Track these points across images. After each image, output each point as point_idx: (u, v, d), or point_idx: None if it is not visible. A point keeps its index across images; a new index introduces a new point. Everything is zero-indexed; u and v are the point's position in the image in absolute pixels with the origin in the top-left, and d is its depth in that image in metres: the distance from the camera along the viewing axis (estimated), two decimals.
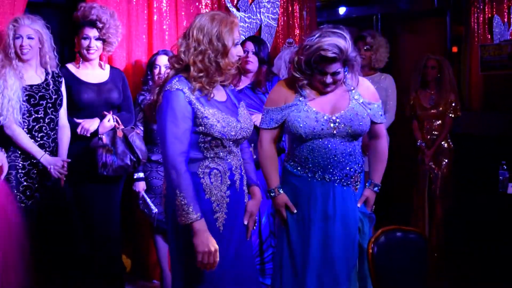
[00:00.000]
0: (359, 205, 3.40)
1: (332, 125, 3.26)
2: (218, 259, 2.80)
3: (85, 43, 4.29)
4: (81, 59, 4.34)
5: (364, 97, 3.35)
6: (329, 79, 3.25)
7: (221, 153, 2.91)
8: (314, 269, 3.28)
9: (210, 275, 2.86)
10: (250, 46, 4.79)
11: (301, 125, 3.26)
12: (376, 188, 3.47)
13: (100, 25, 4.32)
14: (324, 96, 3.33)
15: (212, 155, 2.90)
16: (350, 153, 3.31)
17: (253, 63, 4.74)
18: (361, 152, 3.43)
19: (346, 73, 3.30)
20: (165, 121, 2.80)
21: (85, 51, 4.30)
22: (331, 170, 3.30)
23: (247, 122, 3.02)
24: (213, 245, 2.79)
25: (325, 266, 3.29)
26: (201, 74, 2.85)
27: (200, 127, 2.85)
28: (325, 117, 3.27)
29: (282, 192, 3.39)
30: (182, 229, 2.82)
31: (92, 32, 4.29)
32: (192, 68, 2.84)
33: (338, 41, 3.16)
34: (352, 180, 3.34)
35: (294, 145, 3.38)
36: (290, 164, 3.41)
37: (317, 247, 3.30)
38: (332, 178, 3.30)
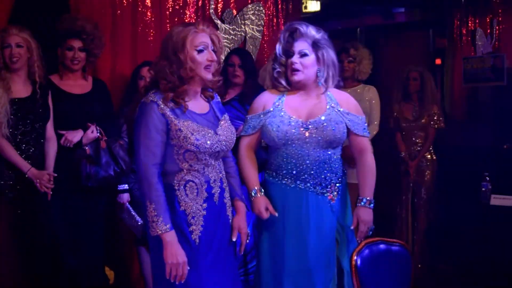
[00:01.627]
0: (352, 227, 3.38)
1: (304, 130, 3.26)
2: (186, 271, 2.82)
3: (69, 54, 4.28)
4: (64, 71, 4.32)
5: (343, 107, 3.36)
6: (295, 59, 3.28)
7: (196, 166, 2.92)
8: (291, 279, 3.28)
9: (185, 287, 2.86)
10: (235, 59, 4.82)
11: (274, 129, 3.29)
12: (371, 205, 3.38)
13: (84, 36, 4.32)
14: (301, 102, 3.36)
15: (187, 167, 2.91)
16: (324, 161, 3.30)
17: (240, 77, 4.78)
18: (341, 163, 3.42)
19: (319, 73, 3.31)
20: (139, 132, 2.84)
21: (69, 62, 4.29)
22: (303, 177, 3.30)
23: (227, 135, 3.02)
24: (182, 257, 2.81)
25: (302, 276, 3.29)
26: (168, 87, 2.88)
27: (174, 139, 2.87)
28: (299, 122, 3.28)
29: (262, 194, 3.37)
30: (154, 240, 2.83)
31: (77, 43, 4.29)
32: (162, 81, 2.88)
33: (305, 23, 3.33)
34: (328, 189, 3.33)
35: (271, 153, 3.41)
36: (267, 172, 3.45)
37: (292, 256, 3.29)
38: (305, 186, 3.30)
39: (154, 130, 2.83)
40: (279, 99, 3.37)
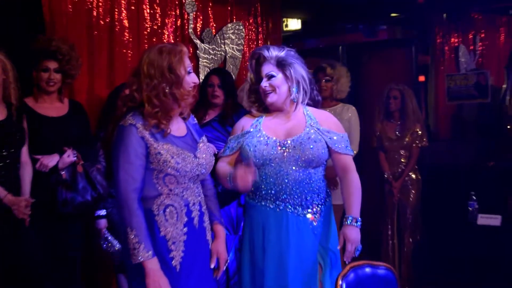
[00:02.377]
0: (339, 247, 3.35)
1: (281, 149, 3.28)
2: None
3: (44, 75, 4.25)
4: (39, 93, 4.29)
5: (323, 125, 3.37)
6: (264, 83, 3.33)
7: (176, 190, 2.91)
8: None
9: None
10: (215, 79, 4.83)
11: (251, 149, 3.30)
12: (357, 224, 3.32)
13: (60, 57, 4.29)
14: (279, 122, 3.39)
15: (167, 191, 2.89)
16: (304, 181, 3.29)
17: (219, 97, 4.79)
18: (323, 183, 3.40)
19: (292, 89, 3.34)
20: (118, 157, 2.82)
21: (44, 84, 4.25)
22: (283, 197, 3.29)
23: (206, 158, 3.02)
24: (165, 285, 2.78)
25: None
26: (156, 110, 2.85)
27: (154, 163, 2.85)
28: (276, 141, 3.30)
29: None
30: (135, 268, 2.80)
31: (52, 64, 4.26)
32: (146, 105, 2.85)
33: (266, 46, 3.42)
34: (309, 210, 3.32)
35: None
36: (248, 195, 3.43)
37: (271, 279, 3.27)
38: (284, 206, 3.29)
39: (134, 154, 2.81)
40: (257, 120, 3.42)
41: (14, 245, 3.90)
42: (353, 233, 3.32)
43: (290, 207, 3.29)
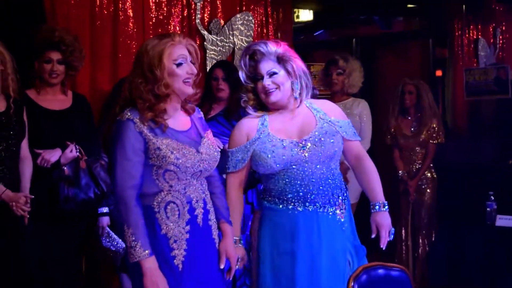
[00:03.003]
0: (373, 235, 3.37)
1: (301, 149, 3.25)
2: None
3: (47, 67, 4.25)
4: (42, 85, 4.31)
5: (331, 115, 3.36)
6: (266, 81, 3.27)
7: (177, 186, 2.90)
8: None
9: None
10: (219, 72, 4.83)
11: (269, 155, 3.24)
12: (385, 208, 3.37)
13: (64, 48, 4.29)
14: (287, 121, 3.34)
15: (167, 188, 2.89)
16: (328, 178, 3.29)
17: (224, 90, 4.79)
18: (341, 177, 3.41)
19: (294, 86, 3.30)
20: (115, 153, 2.83)
21: (47, 76, 4.26)
22: (312, 197, 3.27)
23: (210, 154, 3.00)
24: (163, 284, 2.79)
25: None
26: (146, 106, 2.86)
27: (153, 159, 2.85)
28: (293, 143, 3.27)
29: (240, 244, 3.32)
30: (135, 266, 2.80)
31: (55, 55, 4.26)
32: (138, 100, 2.86)
33: (263, 41, 3.34)
34: (337, 207, 3.32)
35: (268, 179, 3.35)
36: (267, 200, 3.38)
37: (303, 284, 3.25)
38: (314, 206, 3.28)
39: (131, 150, 2.81)
40: (262, 124, 3.34)
41: (10, 244, 3.92)
42: (384, 218, 3.37)
43: (320, 206, 3.29)
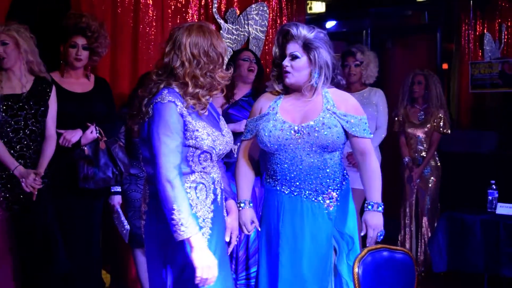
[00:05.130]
0: (362, 234, 3.34)
1: (295, 134, 3.25)
2: (217, 273, 2.80)
3: (72, 51, 4.29)
4: (66, 68, 4.34)
5: (341, 108, 3.29)
6: (286, 62, 3.26)
7: (208, 168, 2.92)
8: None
9: None
10: (250, 54, 4.87)
11: (266, 133, 3.29)
12: (379, 208, 3.32)
13: (89, 34, 4.33)
14: (296, 105, 3.33)
15: (200, 169, 2.90)
16: (318, 167, 3.27)
17: (253, 71, 4.82)
18: (340, 167, 3.37)
19: (315, 75, 3.27)
20: (158, 134, 2.78)
21: (72, 59, 4.29)
22: (297, 183, 3.28)
23: (230, 136, 3.05)
24: (213, 259, 2.79)
25: (296, 285, 3.25)
26: (197, 90, 2.85)
27: (191, 140, 2.84)
28: (291, 126, 3.27)
29: (249, 207, 3.40)
30: (174, 245, 2.81)
31: (81, 40, 4.30)
32: (190, 83, 2.84)
33: (296, 23, 3.31)
34: (324, 196, 3.30)
35: (267, 159, 3.40)
36: (265, 179, 3.45)
37: (286, 264, 3.27)
38: (299, 192, 3.29)
39: (174, 131, 2.79)
40: (275, 101, 3.36)
41: (30, 218, 3.95)
42: (375, 219, 3.32)
43: (304, 193, 3.29)
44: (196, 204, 2.88)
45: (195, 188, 2.89)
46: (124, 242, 4.88)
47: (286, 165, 3.29)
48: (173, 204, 2.74)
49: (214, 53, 2.88)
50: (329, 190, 3.31)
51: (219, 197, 3.01)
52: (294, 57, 3.26)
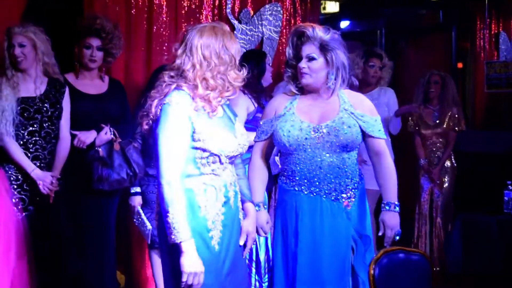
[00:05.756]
0: (380, 233, 3.35)
1: (315, 134, 3.24)
2: (202, 281, 2.78)
3: (87, 52, 4.29)
4: (80, 69, 4.34)
5: (357, 109, 3.31)
6: (303, 64, 3.25)
7: (218, 170, 2.89)
8: None
9: None
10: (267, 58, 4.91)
11: (284, 133, 3.27)
12: (396, 208, 3.33)
13: (104, 35, 4.33)
14: (313, 105, 3.33)
15: (209, 171, 2.88)
16: (338, 166, 3.27)
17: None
18: (357, 167, 3.37)
19: (330, 76, 3.27)
20: (162, 135, 2.79)
21: (86, 61, 4.30)
22: (317, 183, 3.26)
23: (243, 139, 3.01)
24: (200, 266, 2.77)
25: (315, 286, 3.24)
26: (208, 92, 2.83)
27: (198, 142, 2.83)
28: (310, 126, 3.26)
29: (264, 209, 3.39)
30: (171, 247, 2.80)
31: (95, 42, 4.30)
32: (200, 85, 2.82)
33: (311, 24, 3.30)
34: (343, 196, 3.29)
35: (283, 159, 3.39)
36: (281, 179, 3.42)
37: (305, 265, 3.25)
38: (319, 191, 3.27)
39: (179, 133, 2.79)
40: (291, 102, 3.36)
41: (44, 219, 3.97)
42: (392, 219, 3.33)
43: (324, 193, 3.28)
44: (206, 206, 2.87)
45: (205, 190, 2.87)
46: (139, 242, 4.89)
47: (305, 165, 3.28)
48: (169, 206, 2.74)
49: (226, 55, 2.86)
50: (347, 190, 3.30)
51: (231, 200, 2.97)
52: (311, 59, 3.25)
